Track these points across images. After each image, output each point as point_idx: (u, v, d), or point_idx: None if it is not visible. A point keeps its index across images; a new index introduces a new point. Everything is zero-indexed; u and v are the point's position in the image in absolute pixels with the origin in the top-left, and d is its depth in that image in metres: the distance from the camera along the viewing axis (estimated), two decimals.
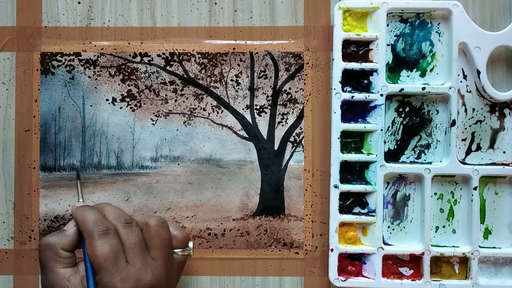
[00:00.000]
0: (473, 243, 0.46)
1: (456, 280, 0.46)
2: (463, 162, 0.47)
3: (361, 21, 0.47)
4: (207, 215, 0.48)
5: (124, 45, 0.48)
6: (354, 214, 0.47)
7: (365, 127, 0.46)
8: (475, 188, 0.46)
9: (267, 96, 0.48)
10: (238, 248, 0.48)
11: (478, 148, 0.47)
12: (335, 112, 0.46)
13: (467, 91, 0.47)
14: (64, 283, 0.39)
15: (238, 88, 0.48)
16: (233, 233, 0.48)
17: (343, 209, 0.47)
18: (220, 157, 0.48)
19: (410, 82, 0.47)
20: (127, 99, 0.48)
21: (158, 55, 0.48)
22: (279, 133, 0.48)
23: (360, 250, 0.46)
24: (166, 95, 0.48)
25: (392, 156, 0.47)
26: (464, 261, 0.46)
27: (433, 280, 0.46)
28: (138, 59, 0.48)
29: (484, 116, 0.47)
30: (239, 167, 0.48)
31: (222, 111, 0.48)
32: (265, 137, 0.48)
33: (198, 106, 0.48)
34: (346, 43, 0.46)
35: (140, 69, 0.48)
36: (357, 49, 0.47)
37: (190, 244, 0.43)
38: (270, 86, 0.48)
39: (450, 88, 0.46)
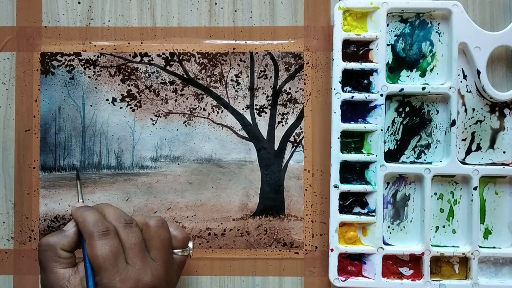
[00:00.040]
0: (473, 243, 0.46)
1: (456, 280, 0.46)
2: (463, 162, 0.47)
3: (361, 21, 0.47)
4: (207, 215, 0.48)
5: (124, 45, 0.48)
6: (354, 214, 0.47)
7: (365, 127, 0.46)
8: (475, 188, 0.46)
9: (267, 96, 0.48)
10: (238, 248, 0.48)
11: (478, 148, 0.47)
12: (335, 112, 0.46)
13: (467, 91, 0.47)
14: (64, 284, 0.39)
15: (238, 88, 0.48)
16: (233, 233, 0.48)
17: (343, 209, 0.47)
18: (220, 157, 0.48)
19: (410, 82, 0.47)
20: (127, 99, 0.48)
21: (158, 55, 0.48)
22: (279, 133, 0.48)
23: (360, 250, 0.46)
24: (166, 95, 0.48)
25: (392, 156, 0.47)
26: (464, 261, 0.46)
27: (433, 280, 0.46)
28: (138, 59, 0.48)
29: (484, 116, 0.47)
30: (239, 167, 0.48)
31: (222, 111, 0.48)
32: (265, 137, 0.48)
33: (198, 106, 0.48)
34: (346, 43, 0.46)
35: (140, 69, 0.48)
36: (357, 49, 0.47)
37: (190, 245, 0.43)
38: (270, 86, 0.48)
39: (450, 88, 0.46)
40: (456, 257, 0.46)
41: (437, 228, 0.47)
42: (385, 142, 0.47)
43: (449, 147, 0.46)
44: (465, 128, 0.47)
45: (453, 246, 0.47)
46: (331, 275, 0.46)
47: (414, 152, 0.47)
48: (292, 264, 0.48)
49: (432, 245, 0.46)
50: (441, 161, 0.47)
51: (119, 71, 0.48)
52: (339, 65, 0.46)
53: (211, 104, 0.48)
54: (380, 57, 0.46)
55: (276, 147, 0.48)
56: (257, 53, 0.48)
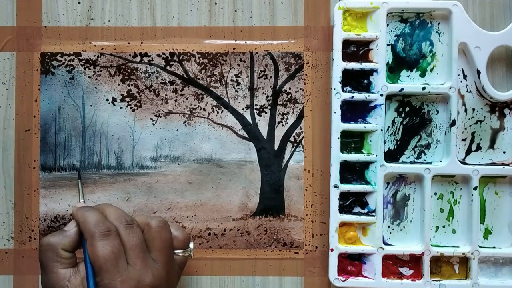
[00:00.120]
0: (473, 243, 0.46)
1: (456, 280, 0.46)
2: (463, 162, 0.47)
3: (361, 21, 0.47)
4: (207, 215, 0.48)
5: (124, 45, 0.48)
6: (354, 214, 0.47)
7: (365, 127, 0.46)
8: (475, 188, 0.46)
9: (267, 96, 0.48)
10: (238, 248, 0.48)
11: (478, 148, 0.47)
12: (335, 112, 0.46)
13: (467, 91, 0.47)
14: (65, 284, 0.39)
15: (238, 88, 0.48)
16: (233, 233, 0.48)
17: (343, 209, 0.47)
18: (220, 157, 0.48)
19: (410, 82, 0.47)
20: (127, 99, 0.48)
21: (158, 55, 0.48)
22: (279, 133, 0.48)
23: (360, 250, 0.46)
24: (166, 95, 0.48)
25: (392, 156, 0.47)
26: (464, 261, 0.46)
27: (433, 280, 0.46)
28: (138, 59, 0.48)
29: (484, 116, 0.47)
30: (239, 167, 0.48)
31: (222, 111, 0.48)
32: (265, 137, 0.48)
33: (198, 106, 0.48)
34: (346, 43, 0.46)
35: (140, 69, 0.48)
36: (357, 49, 0.47)
37: (191, 245, 0.43)
38: (270, 86, 0.48)
39: (450, 88, 0.46)
40: (456, 257, 0.46)
41: (437, 228, 0.47)
42: (385, 142, 0.47)
43: (449, 147, 0.46)
44: (465, 128, 0.47)
45: (453, 246, 0.47)
46: (331, 275, 0.46)
47: (414, 152, 0.47)
48: (292, 264, 0.48)
49: (432, 245, 0.46)
50: (441, 161, 0.47)
51: (119, 71, 0.48)
52: (339, 65, 0.46)
53: (211, 104, 0.48)
54: (380, 57, 0.46)
55: (276, 147, 0.48)
56: (257, 53, 0.48)
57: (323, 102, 0.48)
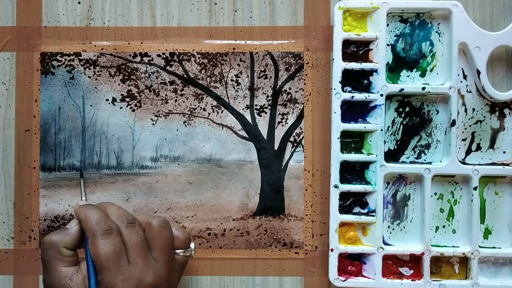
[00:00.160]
0: (473, 243, 0.46)
1: (456, 280, 0.46)
2: (463, 162, 0.47)
3: (361, 21, 0.47)
4: (207, 215, 0.48)
5: (124, 45, 0.48)
6: (354, 214, 0.47)
7: (365, 127, 0.46)
8: (475, 188, 0.46)
9: (267, 96, 0.48)
10: (238, 248, 0.48)
11: (478, 148, 0.47)
12: (335, 112, 0.46)
13: (467, 91, 0.47)
14: (66, 282, 0.39)
15: (238, 88, 0.48)
16: (233, 233, 0.48)
17: (343, 209, 0.47)
18: (220, 157, 0.48)
19: (410, 82, 0.47)
20: (127, 99, 0.48)
21: (158, 55, 0.48)
22: (279, 133, 0.48)
23: (360, 250, 0.46)
24: (166, 95, 0.48)
25: (392, 156, 0.47)
26: (464, 261, 0.46)
27: (433, 280, 0.46)
28: (138, 59, 0.48)
29: (484, 116, 0.47)
30: (239, 167, 0.48)
31: (222, 111, 0.48)
32: (265, 137, 0.48)
33: (198, 106, 0.48)
34: (346, 43, 0.46)
35: (140, 69, 0.48)
36: (357, 49, 0.47)
37: (192, 245, 0.43)
38: (270, 86, 0.48)
39: (450, 88, 0.46)
40: (456, 257, 0.46)
41: (437, 228, 0.47)
42: (385, 142, 0.47)
43: (449, 147, 0.46)
44: (465, 128, 0.47)
45: (453, 246, 0.47)
46: (331, 275, 0.46)
47: (414, 152, 0.47)
48: (292, 264, 0.48)
49: (432, 245, 0.46)
50: (441, 161, 0.47)
51: (119, 71, 0.48)
52: (339, 65, 0.46)
53: (211, 104, 0.48)
54: (380, 57, 0.46)
55: (276, 147, 0.48)
56: (257, 53, 0.48)
57: (323, 102, 0.48)
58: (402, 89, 0.46)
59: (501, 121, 0.47)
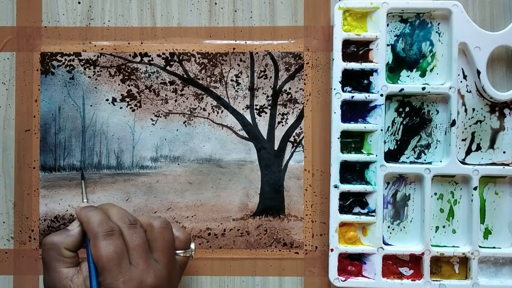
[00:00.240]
0: (473, 243, 0.46)
1: (456, 280, 0.46)
2: (463, 162, 0.47)
3: (361, 21, 0.47)
4: (207, 215, 0.48)
5: (124, 45, 0.48)
6: (354, 214, 0.47)
7: (365, 127, 0.46)
8: (475, 188, 0.46)
9: (267, 96, 0.48)
10: (238, 248, 0.48)
11: (478, 148, 0.47)
12: (335, 112, 0.46)
13: (467, 91, 0.47)
14: (67, 283, 0.39)
15: (238, 88, 0.48)
16: (233, 233, 0.48)
17: (343, 209, 0.47)
18: (220, 157, 0.48)
19: (410, 82, 0.47)
20: (127, 99, 0.48)
21: (158, 55, 0.48)
22: (279, 133, 0.48)
23: (360, 250, 0.46)
24: (166, 95, 0.48)
25: (392, 156, 0.47)
26: (464, 261, 0.46)
27: (433, 280, 0.46)
28: (138, 59, 0.48)
29: (484, 116, 0.47)
30: (239, 167, 0.48)
31: (222, 111, 0.48)
32: (265, 137, 0.48)
33: (198, 106, 0.48)
34: (346, 43, 0.46)
35: (140, 69, 0.48)
36: (357, 49, 0.47)
37: (192, 246, 0.43)
38: (270, 86, 0.48)
39: (450, 88, 0.46)
40: (456, 257, 0.46)
41: (437, 228, 0.47)
42: (385, 142, 0.47)
43: (449, 147, 0.46)
44: (465, 128, 0.47)
45: (453, 246, 0.47)
46: (331, 275, 0.46)
47: (414, 152, 0.47)
48: (292, 264, 0.48)
49: (432, 245, 0.46)
50: (441, 161, 0.47)
51: (119, 71, 0.48)
52: (339, 65, 0.46)
53: (211, 104, 0.48)
54: (380, 57, 0.46)
55: (276, 147, 0.48)
56: (257, 53, 0.48)
57: (323, 102, 0.48)
58: (402, 89, 0.46)
59: (501, 121, 0.47)
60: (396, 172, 0.46)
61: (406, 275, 0.47)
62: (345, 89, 0.47)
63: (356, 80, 0.47)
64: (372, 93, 0.46)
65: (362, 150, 0.47)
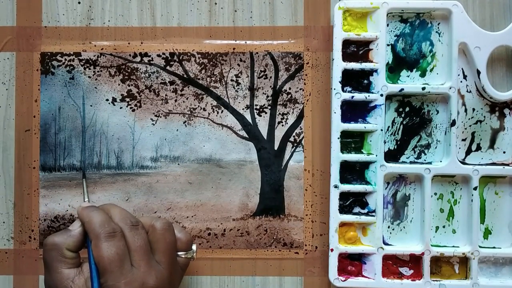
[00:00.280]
0: (473, 243, 0.46)
1: (456, 280, 0.46)
2: (463, 162, 0.47)
3: (361, 21, 0.47)
4: (207, 215, 0.48)
5: (124, 45, 0.48)
6: (354, 214, 0.47)
7: (365, 127, 0.46)
8: (475, 188, 0.46)
9: (267, 96, 0.48)
10: (238, 248, 0.48)
11: (478, 148, 0.47)
12: (335, 112, 0.46)
13: (467, 91, 0.47)
14: (68, 284, 0.39)
15: (238, 88, 0.48)
16: (233, 233, 0.48)
17: (343, 209, 0.47)
18: (220, 157, 0.48)
19: (410, 82, 0.47)
20: (127, 99, 0.48)
21: (158, 55, 0.48)
22: (279, 133, 0.48)
23: (360, 250, 0.46)
24: (166, 95, 0.48)
25: (392, 156, 0.47)
26: (464, 261, 0.46)
27: (433, 280, 0.46)
28: (138, 59, 0.48)
29: (484, 116, 0.47)
30: (239, 167, 0.48)
31: (222, 111, 0.48)
32: (265, 137, 0.48)
33: (198, 106, 0.48)
34: (346, 43, 0.46)
35: (140, 69, 0.48)
36: (357, 49, 0.47)
37: (194, 247, 0.43)
38: (270, 86, 0.48)
39: (450, 88, 0.46)
40: (456, 257, 0.47)
41: (437, 228, 0.47)
42: (385, 142, 0.47)
43: (449, 147, 0.46)
44: (465, 128, 0.47)
45: (453, 246, 0.47)
46: (331, 275, 0.46)
47: (414, 152, 0.47)
48: (292, 264, 0.48)
49: (432, 245, 0.46)
50: (441, 161, 0.47)
51: (119, 71, 0.48)
52: (339, 65, 0.46)
53: (211, 104, 0.48)
54: (380, 57, 0.46)
55: (276, 147, 0.48)
56: (257, 53, 0.48)
57: (323, 102, 0.48)
58: (402, 89, 0.46)
59: (501, 121, 0.47)
60: (396, 172, 0.46)
61: (406, 275, 0.47)
62: (345, 89, 0.47)
63: (356, 80, 0.47)
64: (372, 93, 0.46)
65: (362, 150, 0.47)
